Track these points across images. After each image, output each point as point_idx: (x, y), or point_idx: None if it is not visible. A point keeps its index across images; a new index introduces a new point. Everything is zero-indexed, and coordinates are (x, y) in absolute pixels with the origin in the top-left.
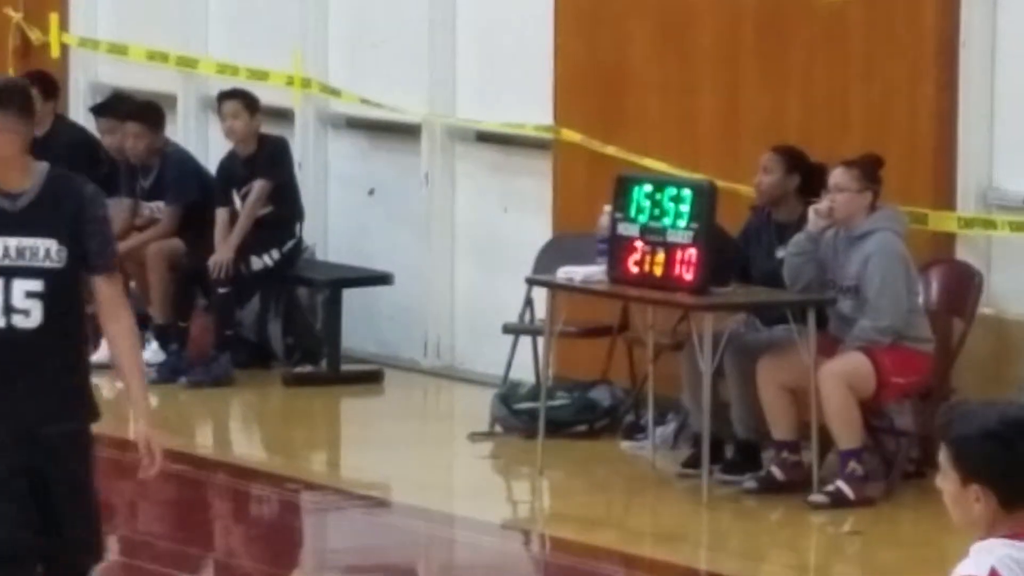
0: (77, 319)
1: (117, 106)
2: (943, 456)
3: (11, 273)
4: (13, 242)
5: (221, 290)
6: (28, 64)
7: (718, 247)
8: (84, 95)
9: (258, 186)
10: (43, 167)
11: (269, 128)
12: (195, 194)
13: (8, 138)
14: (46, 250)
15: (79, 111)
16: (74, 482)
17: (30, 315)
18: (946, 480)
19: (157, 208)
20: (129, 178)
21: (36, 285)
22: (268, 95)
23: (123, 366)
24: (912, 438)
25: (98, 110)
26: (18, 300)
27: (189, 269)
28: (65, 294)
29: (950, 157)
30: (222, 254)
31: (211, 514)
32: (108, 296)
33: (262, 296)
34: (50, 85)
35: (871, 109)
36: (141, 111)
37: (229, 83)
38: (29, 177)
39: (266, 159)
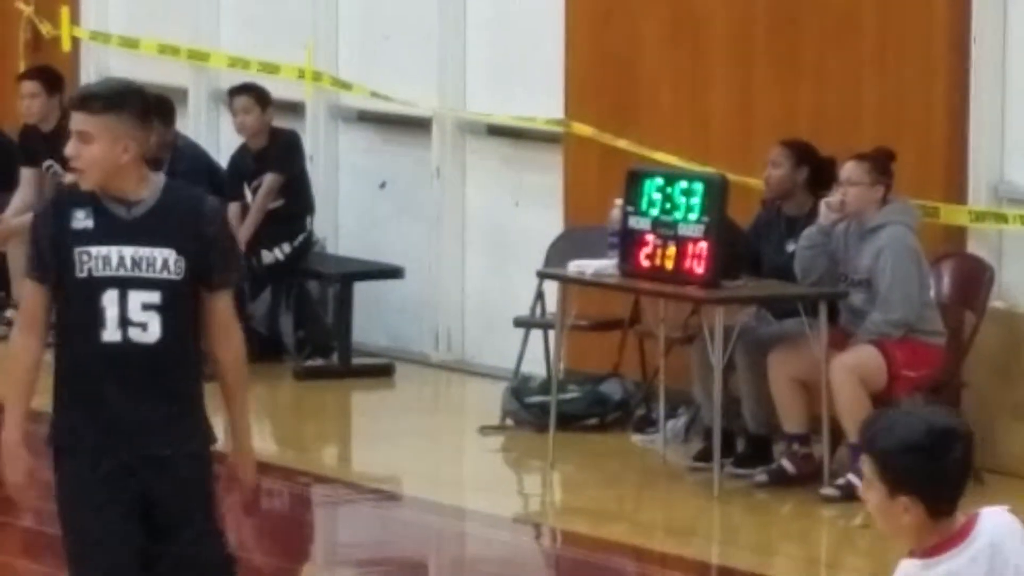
0: (195, 335)
1: None
2: (867, 467)
3: (127, 284)
4: (129, 251)
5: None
6: (39, 58)
7: (729, 240)
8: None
9: (269, 179)
10: (161, 178)
11: (280, 122)
12: (206, 187)
13: (124, 144)
14: (164, 260)
15: None
16: (191, 504)
17: (147, 328)
18: (871, 490)
19: None
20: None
21: (153, 297)
22: (279, 89)
23: (228, 387)
24: None
25: None
26: (135, 312)
27: None
28: (184, 308)
29: (962, 151)
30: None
31: (222, 508)
32: (221, 315)
33: (273, 289)
34: (55, 79)
35: (883, 103)
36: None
37: (240, 77)
38: (146, 187)
39: (277, 153)
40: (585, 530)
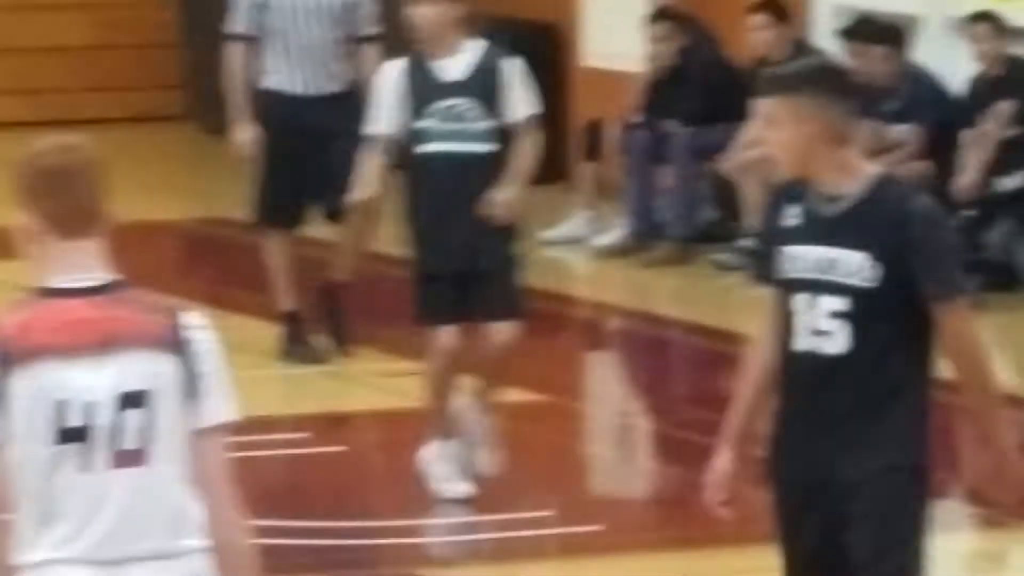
0: (901, 350)
1: (864, 29)
2: None
3: (817, 288)
4: (823, 252)
5: (966, 212)
6: None
7: None
8: (828, 18)
9: (1004, 107)
10: (873, 171)
11: (1017, 49)
12: (940, 116)
13: (808, 127)
14: (857, 264)
15: (823, 35)
16: (879, 530)
17: (833, 338)
18: None
19: (902, 131)
20: (872, 102)
21: (841, 304)
22: (1018, 16)
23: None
24: None
25: (846, 34)
26: (822, 320)
27: (935, 190)
28: (881, 319)
29: None
30: (967, 176)
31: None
32: (946, 330)
33: (1010, 217)
34: (782, 11)
35: None
36: (886, 34)
37: (978, 4)
38: (852, 179)
39: (1013, 81)
40: None
